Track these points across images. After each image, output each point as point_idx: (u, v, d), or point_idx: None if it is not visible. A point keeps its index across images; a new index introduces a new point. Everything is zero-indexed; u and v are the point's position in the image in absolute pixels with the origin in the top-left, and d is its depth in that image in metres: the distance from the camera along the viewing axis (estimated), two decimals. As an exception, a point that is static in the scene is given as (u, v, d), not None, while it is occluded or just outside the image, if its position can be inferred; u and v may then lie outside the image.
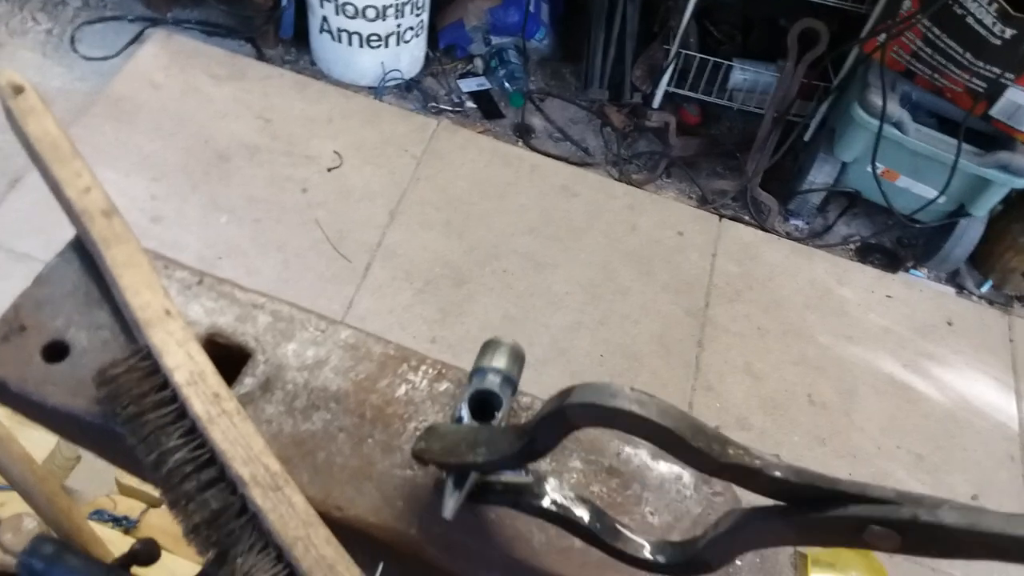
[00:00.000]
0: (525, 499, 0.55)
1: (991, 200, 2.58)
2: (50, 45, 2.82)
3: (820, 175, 2.77)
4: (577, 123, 3.04)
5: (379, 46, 2.81)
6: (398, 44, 2.83)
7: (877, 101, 2.46)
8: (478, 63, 3.09)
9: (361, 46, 2.80)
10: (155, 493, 1.46)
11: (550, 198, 2.72)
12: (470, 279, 2.47)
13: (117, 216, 0.63)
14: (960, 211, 2.66)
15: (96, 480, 1.56)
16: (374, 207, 2.57)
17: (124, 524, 1.41)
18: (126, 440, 0.55)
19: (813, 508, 0.41)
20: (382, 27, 2.75)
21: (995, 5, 2.24)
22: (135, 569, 0.79)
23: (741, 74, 2.92)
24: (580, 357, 2.36)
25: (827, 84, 2.77)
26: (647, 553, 0.54)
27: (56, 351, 0.60)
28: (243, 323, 0.65)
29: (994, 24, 2.28)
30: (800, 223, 2.92)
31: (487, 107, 3.00)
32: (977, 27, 2.31)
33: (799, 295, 2.64)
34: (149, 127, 2.61)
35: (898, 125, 2.49)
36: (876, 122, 2.48)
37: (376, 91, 2.91)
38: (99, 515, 1.40)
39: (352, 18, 2.71)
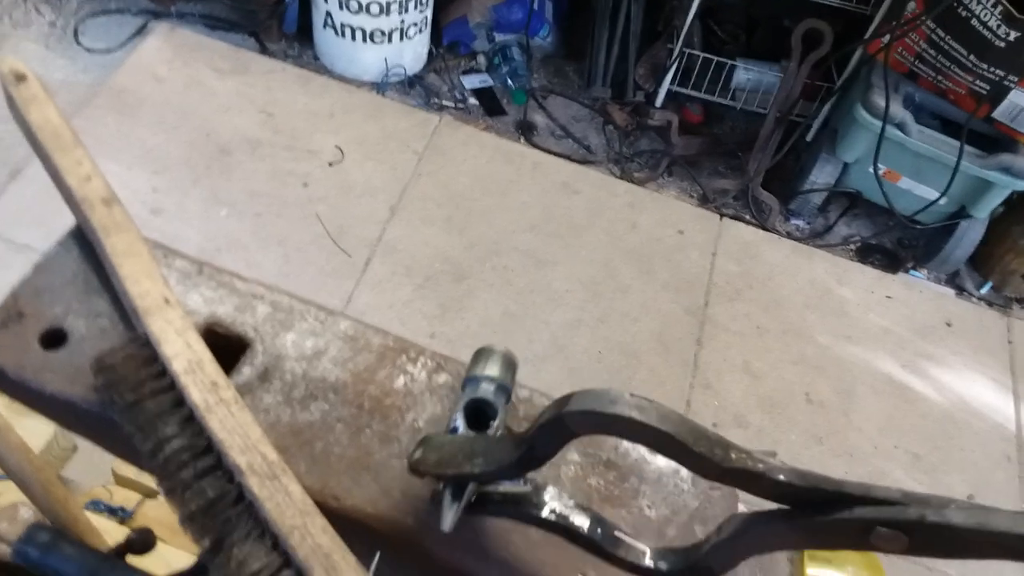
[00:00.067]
0: (524, 509, 0.54)
1: (992, 202, 2.57)
2: (53, 37, 2.82)
3: (822, 175, 2.77)
4: (579, 121, 3.04)
5: (382, 42, 2.80)
6: (401, 40, 2.83)
7: (880, 102, 2.46)
8: (481, 60, 3.09)
9: (364, 41, 2.79)
10: (151, 483, 1.46)
11: (551, 195, 2.72)
12: (470, 275, 2.47)
13: (117, 204, 0.63)
14: (961, 213, 2.66)
15: (92, 471, 1.57)
16: (375, 202, 2.57)
17: (120, 515, 1.41)
18: (123, 428, 0.55)
19: (818, 511, 0.41)
20: (385, 23, 2.75)
21: (1000, 8, 2.24)
22: (130, 558, 0.79)
23: (744, 74, 2.92)
24: (579, 354, 2.36)
25: (830, 85, 2.77)
26: (648, 560, 0.53)
27: (54, 338, 0.60)
28: (242, 313, 0.65)
29: (998, 27, 2.28)
30: (801, 223, 2.92)
31: (490, 104, 2.99)
32: (981, 29, 2.31)
33: (799, 295, 2.64)
34: (151, 120, 2.61)
35: (900, 126, 2.49)
36: (879, 123, 2.47)
37: (379, 87, 2.91)
38: (95, 505, 1.40)
39: (356, 13, 2.71)
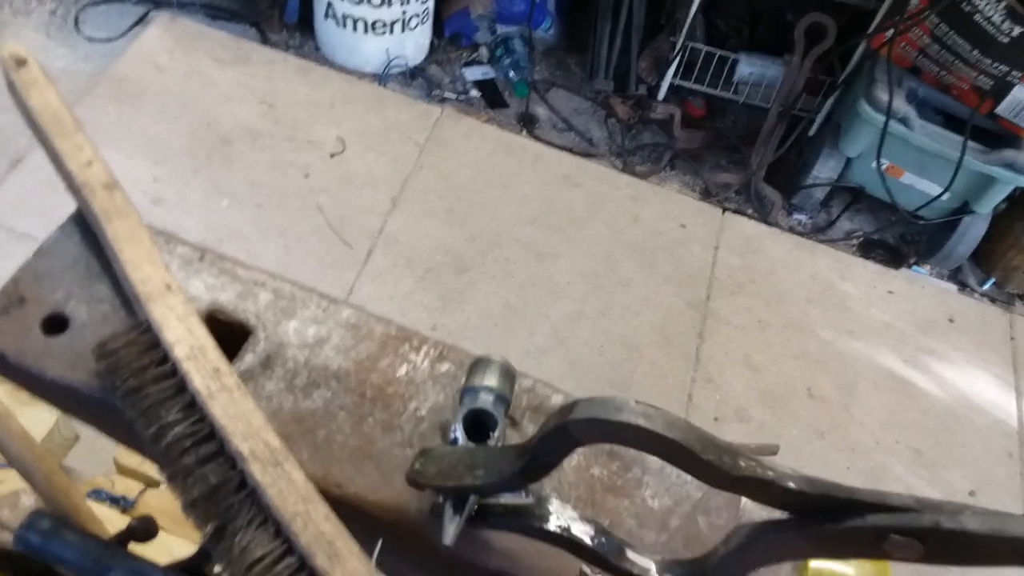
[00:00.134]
0: (527, 521, 0.53)
1: (995, 198, 2.57)
2: (54, 25, 2.81)
3: (824, 170, 2.77)
4: (581, 114, 3.03)
5: (384, 32, 2.79)
6: (403, 31, 2.82)
7: (883, 97, 2.45)
8: (483, 52, 3.08)
9: (366, 32, 2.78)
10: (153, 473, 1.46)
11: (553, 188, 2.71)
12: (471, 267, 2.46)
13: (119, 190, 0.62)
14: (964, 208, 2.65)
15: (94, 460, 1.56)
16: (376, 194, 2.57)
17: (122, 504, 1.41)
18: (125, 414, 0.55)
19: (829, 519, 0.40)
20: (387, 13, 2.74)
21: (1004, 3, 2.23)
22: (133, 546, 0.78)
23: (747, 67, 2.91)
24: (580, 347, 2.36)
25: (833, 79, 2.76)
26: (654, 573, 0.52)
27: (56, 324, 0.60)
28: (244, 300, 0.65)
29: (1002, 22, 2.27)
30: (803, 218, 2.91)
31: (491, 96, 2.99)
32: (985, 24, 2.30)
33: (801, 289, 2.64)
34: (152, 109, 2.60)
35: (904, 121, 2.48)
36: (882, 118, 2.47)
37: (380, 78, 2.90)
38: (97, 494, 1.40)
39: (357, 4, 2.70)
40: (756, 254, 2.69)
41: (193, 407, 0.54)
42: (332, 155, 2.63)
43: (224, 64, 2.77)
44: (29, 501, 1.01)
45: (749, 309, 2.55)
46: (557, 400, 0.66)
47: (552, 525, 0.53)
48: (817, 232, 2.88)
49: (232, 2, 2.96)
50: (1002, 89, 2.39)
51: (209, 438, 0.53)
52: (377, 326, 0.67)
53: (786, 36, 2.68)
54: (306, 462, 0.57)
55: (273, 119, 2.66)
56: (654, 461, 0.65)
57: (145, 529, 0.78)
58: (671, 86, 2.92)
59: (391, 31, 2.80)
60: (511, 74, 2.99)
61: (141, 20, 2.85)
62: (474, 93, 2.99)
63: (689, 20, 2.72)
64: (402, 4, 2.73)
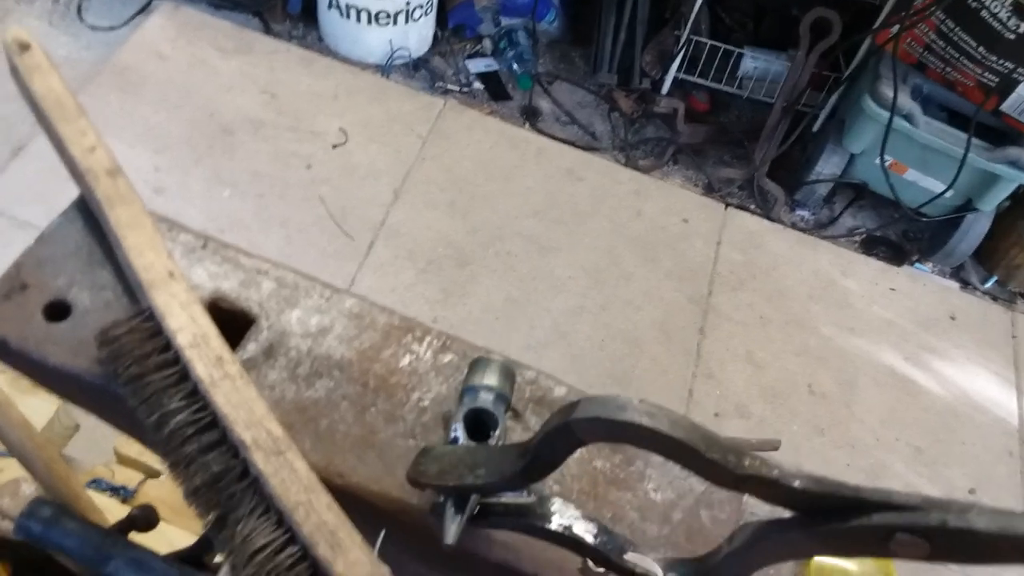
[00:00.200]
0: (529, 521, 0.53)
1: (999, 195, 2.56)
2: (56, 14, 2.80)
3: (828, 166, 2.76)
4: (585, 107, 3.02)
5: (387, 23, 2.78)
6: (407, 22, 2.81)
7: (888, 93, 2.44)
8: (487, 44, 3.07)
9: (369, 23, 2.78)
10: (153, 463, 1.46)
11: (555, 181, 2.71)
12: (473, 260, 2.46)
13: (122, 176, 0.62)
14: (967, 206, 2.65)
15: (94, 449, 1.56)
16: (378, 185, 2.56)
17: (122, 494, 1.41)
18: (127, 401, 0.54)
19: (834, 518, 0.39)
20: (391, 4, 2.73)
21: (1010, -1, 2.23)
22: (133, 535, 0.78)
23: (752, 62, 2.90)
24: (581, 341, 2.36)
25: (838, 75, 2.75)
26: (658, 572, 0.52)
27: (58, 310, 0.59)
28: (247, 288, 0.65)
29: (1009, 18, 2.26)
30: (806, 214, 2.91)
31: (495, 88, 2.98)
32: (991, 21, 2.29)
33: (803, 285, 2.63)
34: (154, 98, 2.59)
35: (908, 118, 2.48)
36: (886, 114, 2.46)
37: (383, 69, 2.89)
38: (97, 484, 1.40)
39: (361, -6, 2.69)
40: (758, 250, 2.69)
41: (195, 395, 0.53)
42: (334, 146, 2.62)
43: (227, 54, 2.76)
44: (29, 489, 1.01)
45: (751, 305, 2.55)
46: (560, 392, 0.66)
47: (554, 524, 0.53)
48: (819, 228, 2.87)
49: (235, -9, 2.95)
50: (1007, 86, 2.38)
51: (211, 426, 0.53)
52: (380, 316, 0.66)
53: (791, 31, 2.67)
54: (308, 451, 0.57)
55: (276, 109, 2.66)
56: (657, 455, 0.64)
57: (146, 518, 0.78)
58: (675, 80, 2.91)
59: (395, 22, 2.79)
60: (515, 66, 2.98)
61: (144, 9, 2.84)
62: (477, 85, 2.98)
63: (694, 14, 2.71)
64: (406, -5, 2.72)
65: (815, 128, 2.88)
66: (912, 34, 2.48)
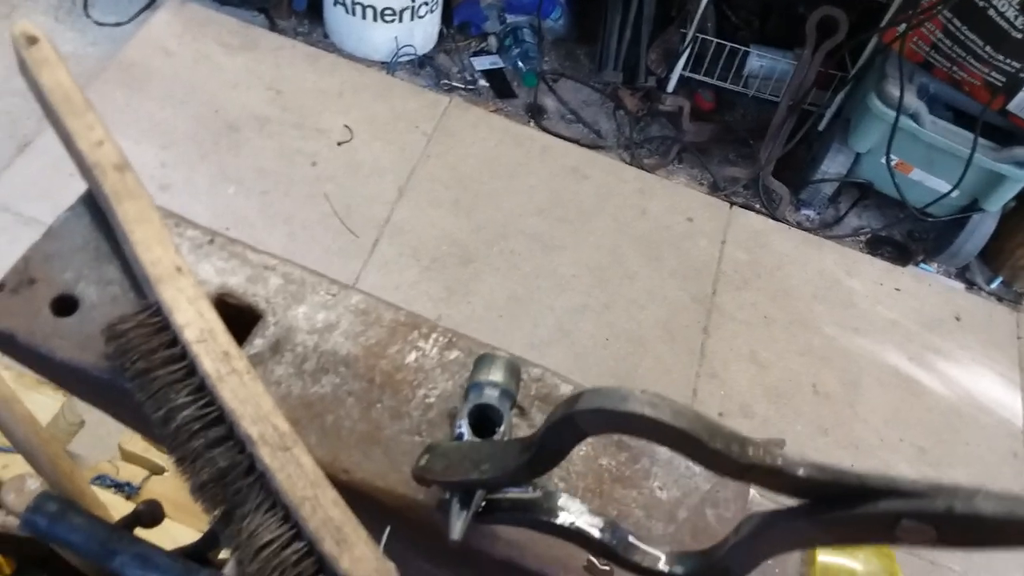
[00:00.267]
0: (534, 516, 0.53)
1: (1005, 196, 2.55)
2: (63, 9, 2.80)
3: (833, 165, 2.75)
4: (590, 105, 3.01)
5: (393, 20, 2.78)
6: (412, 19, 2.81)
7: (894, 92, 2.44)
8: (492, 41, 3.07)
9: (375, 20, 2.77)
10: (157, 460, 1.46)
11: (560, 180, 2.70)
12: (477, 258, 2.46)
13: (129, 171, 0.62)
14: (973, 206, 2.64)
15: (99, 445, 1.57)
16: (383, 183, 2.56)
17: (126, 490, 1.41)
18: (134, 396, 0.54)
19: (840, 506, 0.39)
20: (396, 1, 2.73)
21: (1018, -3, 2.22)
22: (138, 531, 0.78)
23: (758, 61, 2.90)
24: (585, 340, 2.36)
25: (844, 73, 2.74)
26: (663, 565, 0.52)
27: (65, 305, 0.60)
28: (254, 284, 0.65)
29: (1016, 17, 2.25)
30: (811, 213, 2.90)
31: (500, 86, 2.97)
32: (998, 20, 2.29)
33: (807, 285, 2.63)
34: (160, 94, 2.60)
35: (914, 117, 2.47)
36: (892, 113, 2.45)
37: (388, 66, 2.89)
38: (101, 480, 1.40)
39: (367, -9, 2.69)
40: (763, 249, 2.69)
41: (202, 390, 0.54)
42: (339, 143, 2.62)
43: (232, 50, 2.76)
44: (35, 484, 1.01)
45: (755, 304, 2.54)
46: (566, 390, 0.66)
47: (560, 519, 0.52)
48: (825, 228, 2.87)
49: (241, -12, 2.95)
50: (1014, 85, 2.37)
51: (218, 422, 0.53)
52: (386, 312, 0.66)
53: (797, 29, 2.66)
54: (314, 447, 0.57)
55: (281, 106, 2.66)
56: (663, 452, 0.64)
57: (151, 514, 0.78)
58: (680, 78, 2.91)
59: (400, 19, 2.79)
60: (520, 64, 2.98)
61: (150, 5, 2.84)
62: (482, 83, 2.98)
63: (700, 12, 2.71)
64: (411, -8, 2.72)
65: (821, 127, 2.87)
66: (919, 33, 2.47)
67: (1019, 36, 2.27)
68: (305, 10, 2.96)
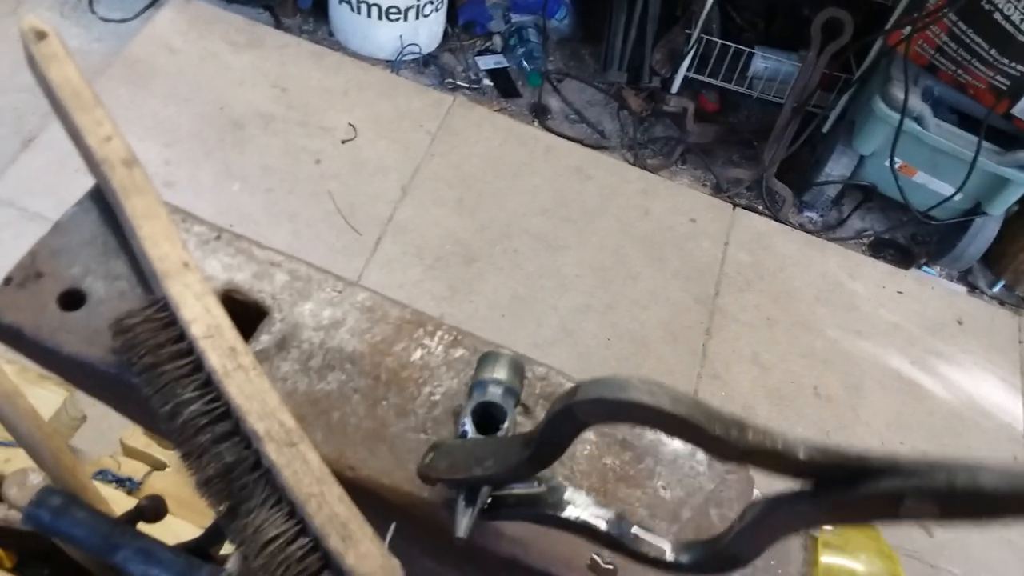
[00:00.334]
0: (540, 510, 0.53)
1: (1008, 200, 2.55)
2: (68, 5, 2.80)
3: (837, 167, 2.75)
4: (594, 105, 3.01)
5: (398, 19, 2.78)
6: (417, 18, 2.81)
7: (899, 95, 2.44)
8: (497, 40, 3.07)
9: (380, 18, 2.77)
10: (159, 455, 1.46)
11: (564, 180, 2.70)
12: (480, 257, 2.46)
13: (137, 166, 0.62)
14: (976, 210, 2.64)
15: (101, 441, 1.57)
16: (387, 181, 2.56)
17: (127, 485, 1.41)
18: (140, 391, 0.55)
19: (842, 486, 0.39)
20: (401, 0, 2.73)
21: (1023, 1, 2.22)
22: (140, 526, 0.78)
23: (762, 62, 2.90)
24: (587, 340, 2.36)
25: (849, 76, 2.74)
26: (670, 555, 0.52)
27: (72, 299, 0.60)
28: (260, 280, 0.65)
29: (1021, 21, 2.25)
30: (814, 215, 2.90)
31: (504, 85, 2.97)
32: (1004, 23, 2.28)
33: (810, 287, 2.63)
34: (165, 91, 2.60)
35: (919, 120, 2.47)
36: (896, 116, 2.45)
37: (393, 65, 2.89)
38: (103, 475, 1.40)
39: (372, -10, 2.69)
40: (766, 251, 2.68)
41: (209, 386, 0.54)
42: (344, 141, 2.62)
43: (238, 47, 2.76)
44: (37, 479, 1.01)
45: (757, 306, 2.54)
46: (571, 389, 0.66)
47: (566, 512, 0.53)
48: (828, 230, 2.86)
49: (246, -15, 2.95)
50: (1019, 89, 2.37)
51: (224, 417, 0.53)
52: (392, 310, 0.67)
53: (802, 31, 2.66)
54: (320, 443, 0.57)
55: (286, 104, 2.66)
56: (667, 451, 0.64)
57: (154, 509, 0.78)
58: (685, 79, 2.91)
59: (405, 18, 2.79)
60: (524, 64, 2.98)
61: (155, 1, 2.84)
62: (487, 82, 2.98)
63: (705, 12, 2.70)
64: (417, -9, 2.72)
65: (825, 129, 2.87)
66: (924, 36, 2.47)
67: (1024, 40, 2.27)
68: (310, 8, 2.96)
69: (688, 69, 2.88)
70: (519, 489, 0.54)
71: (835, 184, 2.80)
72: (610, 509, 0.53)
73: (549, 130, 2.88)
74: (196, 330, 0.55)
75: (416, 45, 2.88)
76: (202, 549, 0.78)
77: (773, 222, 2.79)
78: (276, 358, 0.61)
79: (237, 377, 0.53)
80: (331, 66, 2.80)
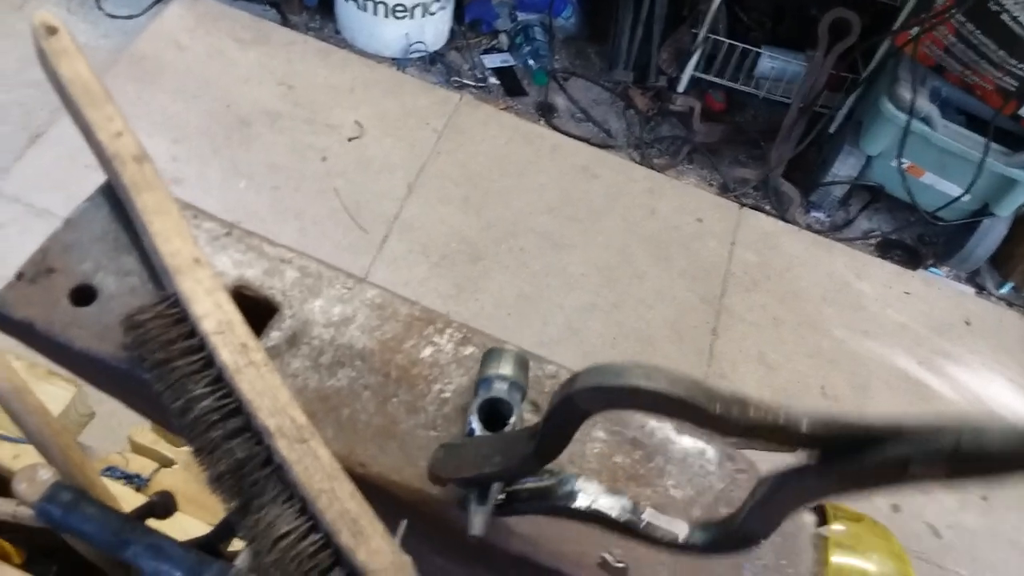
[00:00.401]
0: (552, 503, 0.53)
1: (1016, 201, 2.54)
2: (75, 1, 2.81)
3: (844, 168, 2.74)
4: (600, 104, 3.01)
5: (404, 17, 2.78)
6: (423, 16, 2.81)
7: (906, 95, 2.43)
8: (503, 39, 3.07)
9: (386, 16, 2.78)
10: (167, 452, 1.46)
11: (570, 178, 2.70)
12: (486, 256, 2.46)
13: (148, 162, 0.62)
14: (984, 211, 2.63)
15: (109, 437, 1.57)
16: (393, 179, 2.56)
17: (136, 482, 1.41)
18: (152, 386, 0.55)
19: (849, 455, 0.39)
20: (408, -2, 2.73)
21: (1033, 1, 2.21)
22: (149, 522, 0.78)
23: (769, 62, 2.89)
24: (593, 339, 2.35)
25: (856, 76, 2.73)
26: (683, 537, 0.52)
27: (84, 295, 0.60)
28: (271, 277, 0.65)
29: (1030, 21, 2.24)
30: (821, 215, 2.89)
31: (510, 84, 2.97)
32: (1012, 24, 2.28)
33: (817, 287, 2.62)
34: (172, 88, 2.60)
35: (926, 120, 2.46)
36: (904, 116, 2.44)
37: (399, 62, 2.89)
38: (111, 472, 1.40)
39: (379, -12, 2.69)
40: (773, 251, 2.68)
41: (220, 381, 0.54)
42: (350, 139, 2.62)
43: (244, 44, 2.76)
44: (47, 474, 1.01)
45: (764, 306, 2.54)
46: (581, 387, 0.65)
47: (578, 502, 0.53)
48: (835, 230, 2.86)
49: (253, -17, 2.95)
50: (1028, 90, 2.36)
51: (235, 413, 0.53)
52: (402, 307, 0.66)
53: (810, 31, 2.65)
54: (330, 440, 0.57)
55: (292, 101, 2.66)
56: (677, 450, 0.64)
57: (164, 505, 0.78)
58: (691, 78, 2.90)
59: (412, 16, 2.79)
60: (530, 62, 2.98)
61: (162, -1, 2.85)
62: (493, 80, 2.98)
63: (712, 12, 2.70)
64: (424, -11, 2.72)
65: (832, 129, 2.86)
66: (931, 36, 2.46)
67: (1033, 40, 2.26)
68: (317, 5, 2.96)
69: (695, 68, 2.88)
70: (531, 483, 0.54)
71: (842, 184, 2.79)
72: (621, 496, 0.53)
73: (555, 129, 2.88)
74: (207, 326, 0.55)
75: (422, 43, 2.88)
76: (211, 545, 0.78)
77: (780, 222, 2.78)
78: (287, 354, 0.61)
79: (248, 373, 0.53)
80: (337, 64, 2.80)
